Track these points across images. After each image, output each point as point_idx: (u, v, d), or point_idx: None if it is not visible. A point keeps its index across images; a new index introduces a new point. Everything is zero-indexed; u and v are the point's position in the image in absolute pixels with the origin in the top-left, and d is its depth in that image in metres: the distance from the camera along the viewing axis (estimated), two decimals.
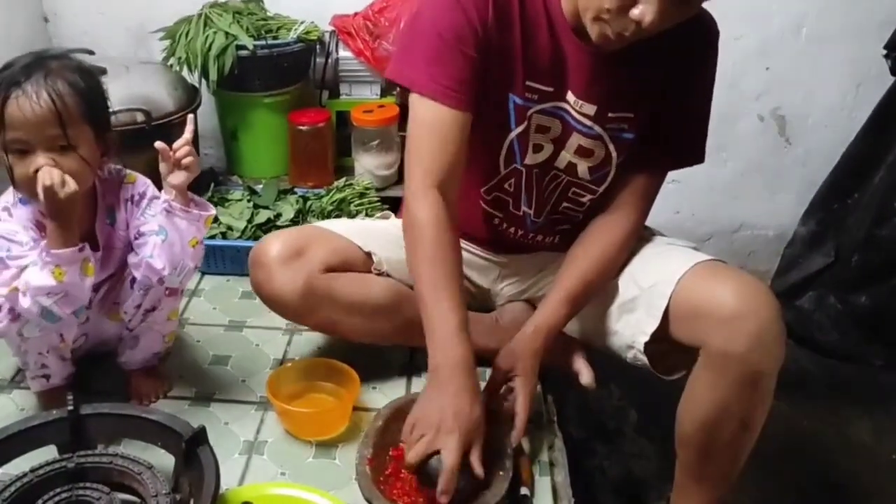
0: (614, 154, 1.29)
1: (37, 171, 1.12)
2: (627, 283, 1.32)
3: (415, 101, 1.22)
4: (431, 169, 1.20)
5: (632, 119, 1.26)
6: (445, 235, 1.19)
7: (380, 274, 1.38)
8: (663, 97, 1.26)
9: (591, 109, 1.24)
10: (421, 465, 1.14)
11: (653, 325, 1.23)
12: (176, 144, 1.21)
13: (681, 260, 1.25)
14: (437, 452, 1.11)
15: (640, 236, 1.36)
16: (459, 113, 1.19)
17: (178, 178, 1.21)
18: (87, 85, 1.18)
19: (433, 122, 1.20)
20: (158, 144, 1.21)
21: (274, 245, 1.33)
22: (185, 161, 1.20)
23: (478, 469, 1.13)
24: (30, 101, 1.11)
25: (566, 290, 1.30)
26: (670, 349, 1.26)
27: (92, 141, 1.19)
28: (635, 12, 1.06)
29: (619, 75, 1.22)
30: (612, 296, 1.33)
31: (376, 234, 1.40)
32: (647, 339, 1.24)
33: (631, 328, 1.28)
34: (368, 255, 1.38)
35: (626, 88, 1.24)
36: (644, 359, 1.27)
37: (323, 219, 1.84)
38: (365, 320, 1.36)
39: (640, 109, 1.26)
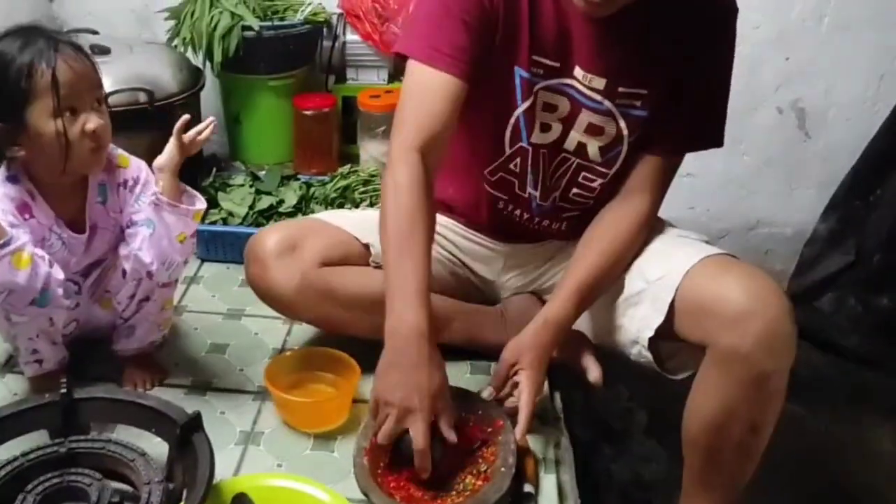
0: (625, 131, 1.25)
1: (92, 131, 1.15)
2: (634, 275, 1.28)
3: (410, 66, 1.19)
4: (415, 131, 1.17)
5: (645, 96, 1.22)
6: (420, 199, 1.16)
7: (378, 266, 1.34)
8: (678, 75, 1.21)
9: (600, 83, 1.21)
10: (394, 444, 1.13)
11: (658, 319, 1.20)
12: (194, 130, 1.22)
13: (689, 253, 1.22)
14: (407, 431, 1.10)
15: (652, 227, 1.32)
16: (452, 78, 1.16)
17: (161, 158, 1.20)
18: None
19: (423, 85, 1.17)
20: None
21: (269, 239, 1.31)
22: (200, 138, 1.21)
23: (449, 436, 1.12)
24: (75, 62, 1.15)
25: (577, 283, 1.26)
26: (678, 347, 1.23)
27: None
28: None
29: (629, 48, 1.18)
30: (619, 289, 1.29)
31: (375, 225, 1.36)
32: (651, 333, 1.21)
33: (636, 323, 1.25)
34: (367, 246, 1.35)
35: (636, 62, 1.20)
36: (648, 355, 1.24)
37: (326, 206, 1.82)
38: (363, 314, 1.32)
39: (653, 86, 1.22)
